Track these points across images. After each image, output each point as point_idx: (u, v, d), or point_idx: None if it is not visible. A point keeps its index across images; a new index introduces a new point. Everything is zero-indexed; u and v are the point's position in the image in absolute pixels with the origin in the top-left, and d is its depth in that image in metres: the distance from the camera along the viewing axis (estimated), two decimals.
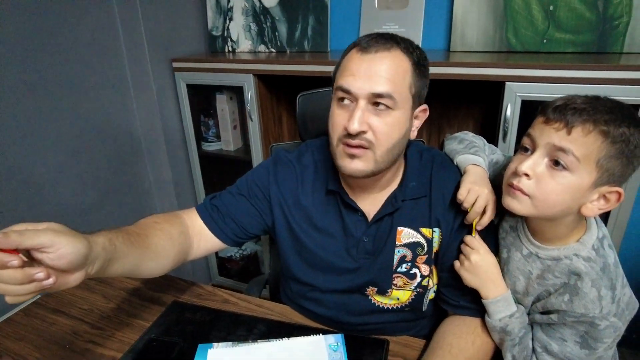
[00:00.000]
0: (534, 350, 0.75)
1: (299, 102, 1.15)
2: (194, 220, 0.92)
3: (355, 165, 0.77)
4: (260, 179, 0.94)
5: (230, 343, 0.87)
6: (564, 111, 0.64)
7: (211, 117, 1.96)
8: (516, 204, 0.71)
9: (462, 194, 0.80)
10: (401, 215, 0.85)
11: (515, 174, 0.70)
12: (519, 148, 0.73)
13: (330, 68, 1.55)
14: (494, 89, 1.36)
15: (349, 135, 0.74)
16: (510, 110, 1.30)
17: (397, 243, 0.86)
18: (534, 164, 0.67)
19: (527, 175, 0.68)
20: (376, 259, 0.87)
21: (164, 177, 1.92)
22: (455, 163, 0.89)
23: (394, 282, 0.87)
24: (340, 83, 0.76)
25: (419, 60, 0.77)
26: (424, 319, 0.95)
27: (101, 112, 1.63)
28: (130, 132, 1.78)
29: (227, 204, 0.93)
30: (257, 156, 1.79)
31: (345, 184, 0.88)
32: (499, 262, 0.84)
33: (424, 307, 0.91)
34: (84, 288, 1.06)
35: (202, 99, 1.92)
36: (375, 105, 0.74)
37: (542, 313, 0.76)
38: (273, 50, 1.86)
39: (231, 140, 1.94)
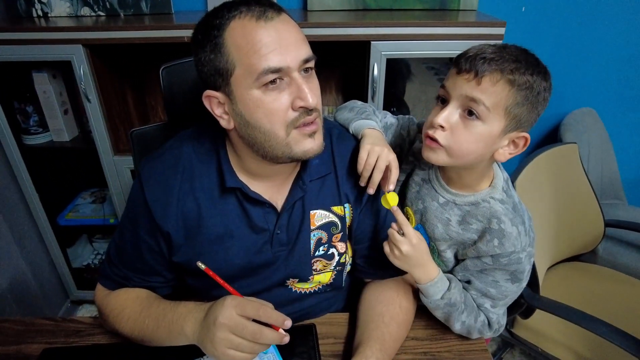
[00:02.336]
0: (476, 305, 0.81)
1: (163, 75, 0.96)
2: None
3: (318, 141, 0.71)
4: (141, 215, 0.77)
5: None
6: (474, 61, 0.67)
7: (29, 102, 1.55)
8: (433, 155, 0.74)
9: (362, 157, 0.78)
10: (311, 198, 0.80)
11: (432, 125, 0.72)
12: (435, 99, 0.74)
13: (178, 33, 1.38)
14: (355, 49, 1.36)
15: (306, 112, 0.67)
16: (377, 70, 1.33)
17: (312, 227, 0.81)
18: (448, 115, 0.70)
19: (442, 127, 0.70)
20: (293, 248, 0.81)
21: None
22: (350, 132, 0.87)
23: (314, 267, 0.83)
24: (262, 65, 0.62)
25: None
26: (341, 293, 0.94)
27: None
28: None
29: (132, 264, 0.80)
30: (103, 144, 1.50)
31: (246, 177, 0.77)
32: (415, 213, 0.86)
33: (343, 283, 0.90)
34: None
35: (12, 81, 1.50)
36: (306, 72, 0.67)
37: (471, 258, 0.81)
38: (102, 13, 1.53)
39: (64, 128, 1.58)
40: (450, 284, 0.79)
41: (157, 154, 0.79)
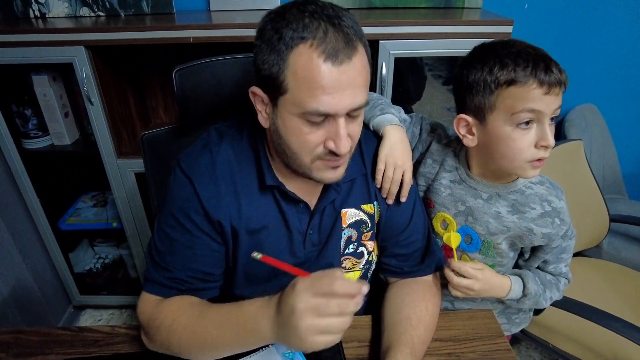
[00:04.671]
0: (554, 276, 0.90)
1: (177, 78, 0.94)
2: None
3: (338, 173, 0.72)
4: (193, 210, 0.74)
5: None
6: (550, 73, 0.69)
7: (27, 106, 1.52)
8: (536, 172, 0.78)
9: (380, 170, 0.81)
10: (342, 197, 0.81)
11: (545, 147, 0.73)
12: (518, 124, 0.73)
13: (180, 34, 1.35)
14: None
15: (334, 153, 0.66)
16: (386, 69, 1.33)
17: (343, 225, 0.81)
18: (551, 132, 0.73)
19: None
20: (324, 247, 0.81)
21: None
22: (371, 129, 0.87)
23: (343, 265, 0.83)
24: (311, 106, 0.61)
25: (366, 43, 0.66)
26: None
27: None
28: None
29: (183, 264, 0.76)
30: (107, 147, 1.47)
31: (282, 175, 0.77)
32: (456, 216, 0.88)
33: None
34: None
35: (9, 84, 1.46)
36: (351, 116, 0.66)
37: (542, 248, 0.87)
38: (101, 13, 1.50)
39: (65, 131, 1.54)
40: (523, 280, 0.85)
41: (198, 148, 0.77)
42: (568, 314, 1.18)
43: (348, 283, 0.57)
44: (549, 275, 0.90)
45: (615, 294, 1.41)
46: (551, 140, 0.72)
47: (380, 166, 0.80)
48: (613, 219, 1.55)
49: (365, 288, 0.57)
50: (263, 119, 0.69)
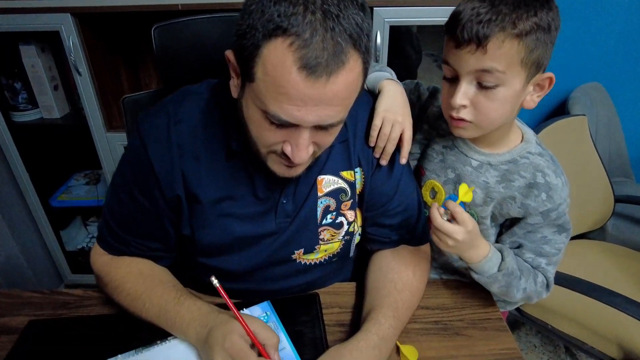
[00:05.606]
0: (533, 267, 0.77)
1: (156, 36, 0.90)
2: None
3: (294, 172, 0.66)
4: (142, 175, 0.70)
5: (132, 352, 0.67)
6: (471, 29, 0.61)
7: (17, 78, 1.49)
8: (464, 132, 0.72)
9: (376, 125, 0.74)
10: (319, 163, 0.74)
11: (452, 106, 0.68)
12: (443, 76, 0.70)
13: (167, 0, 1.31)
14: None
15: (286, 157, 0.61)
16: (381, 38, 1.28)
17: (319, 194, 0.75)
18: (464, 92, 0.66)
19: (463, 106, 0.67)
20: (298, 218, 0.75)
21: None
22: (365, 87, 0.81)
23: (321, 236, 0.77)
24: (273, 109, 0.55)
25: (366, 50, 0.55)
26: (349, 264, 0.89)
27: None
28: None
29: (130, 228, 0.74)
30: (96, 121, 1.44)
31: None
32: (445, 184, 0.82)
33: (351, 253, 0.85)
34: None
35: None
36: (322, 128, 0.59)
37: (518, 223, 0.78)
38: None
39: (54, 105, 1.51)
40: (503, 253, 0.74)
41: (157, 108, 0.72)
42: (567, 293, 1.13)
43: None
44: (527, 263, 0.78)
45: (618, 276, 1.35)
46: (456, 99, 0.66)
47: (377, 122, 0.73)
48: (618, 200, 1.49)
49: None
50: (234, 87, 0.63)
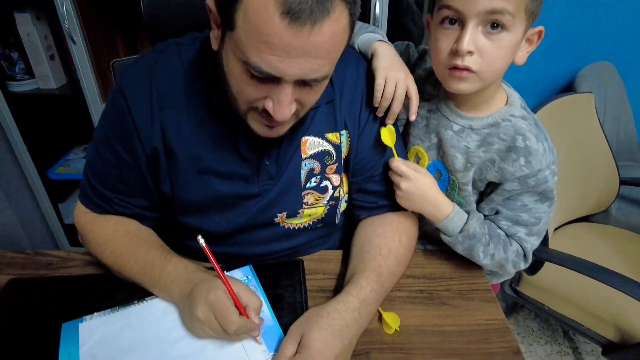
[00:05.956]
0: (507, 235, 0.75)
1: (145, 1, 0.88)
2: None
3: (275, 133, 0.64)
4: (123, 129, 0.68)
5: (108, 310, 0.66)
6: None
7: (14, 48, 1.48)
8: (464, 85, 0.66)
9: (379, 85, 0.71)
10: (303, 124, 0.72)
11: (455, 54, 0.63)
12: (440, 21, 0.65)
13: None
14: None
15: (267, 115, 0.58)
16: (379, 8, 1.24)
17: (303, 156, 0.73)
18: (472, 38, 0.62)
19: (470, 52, 0.62)
20: (281, 180, 0.73)
21: None
22: (356, 47, 0.79)
23: (304, 200, 0.75)
24: (254, 60, 0.52)
25: (353, 0, 0.53)
26: (336, 232, 0.87)
27: None
28: None
29: (111, 184, 0.73)
30: (91, 91, 1.43)
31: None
32: (429, 150, 0.79)
33: (337, 220, 0.82)
34: None
35: None
36: (305, 83, 0.56)
37: (496, 189, 0.74)
38: None
39: (50, 75, 1.50)
40: (468, 216, 0.73)
41: (138, 58, 0.70)
42: (564, 273, 1.10)
43: (244, 325, 0.59)
44: (501, 231, 0.75)
45: (621, 260, 1.31)
46: (464, 45, 0.61)
47: (380, 80, 0.71)
48: (623, 182, 1.44)
49: (257, 336, 0.63)
50: (214, 39, 0.60)
